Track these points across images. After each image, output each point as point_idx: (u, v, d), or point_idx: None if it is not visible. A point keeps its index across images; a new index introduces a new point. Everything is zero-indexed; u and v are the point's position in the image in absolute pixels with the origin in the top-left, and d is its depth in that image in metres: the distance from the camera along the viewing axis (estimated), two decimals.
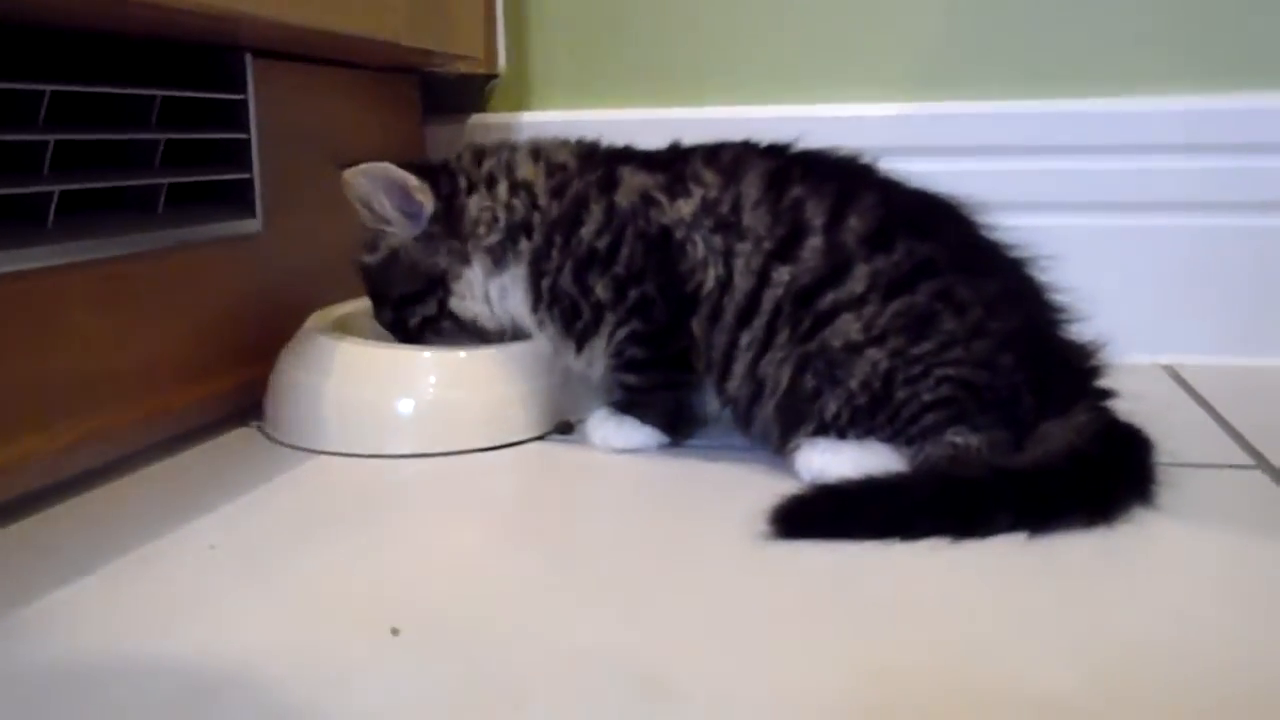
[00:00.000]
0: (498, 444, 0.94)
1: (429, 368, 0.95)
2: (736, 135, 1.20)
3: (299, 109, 1.10)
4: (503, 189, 0.95)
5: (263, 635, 0.61)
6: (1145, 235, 1.23)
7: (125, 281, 0.87)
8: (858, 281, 0.82)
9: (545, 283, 0.92)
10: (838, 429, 0.82)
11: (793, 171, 0.87)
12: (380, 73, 1.26)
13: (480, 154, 0.98)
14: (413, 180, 0.94)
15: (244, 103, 0.99)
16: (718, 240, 0.87)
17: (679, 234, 0.88)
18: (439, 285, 0.95)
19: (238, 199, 1.00)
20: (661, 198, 0.89)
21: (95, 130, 0.84)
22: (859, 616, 0.63)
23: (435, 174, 0.96)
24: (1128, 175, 1.23)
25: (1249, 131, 1.19)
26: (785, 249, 0.84)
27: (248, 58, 0.99)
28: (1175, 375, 1.18)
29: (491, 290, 0.95)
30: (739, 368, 0.86)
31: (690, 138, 1.28)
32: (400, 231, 0.95)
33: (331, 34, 0.97)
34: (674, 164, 0.91)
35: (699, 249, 0.87)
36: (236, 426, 1.00)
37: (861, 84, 1.30)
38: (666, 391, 0.92)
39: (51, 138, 0.78)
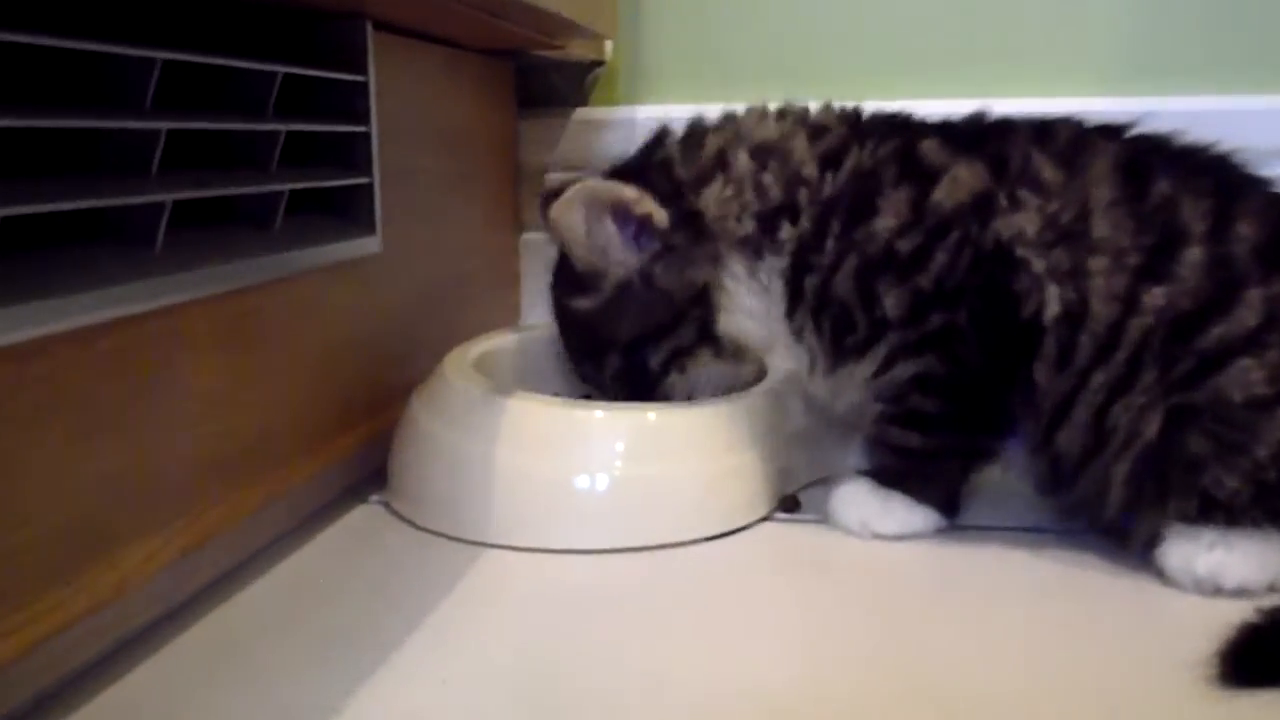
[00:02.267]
0: (709, 535, 0.72)
1: (616, 432, 0.73)
2: None
3: (413, 97, 0.88)
4: (742, 162, 0.73)
5: None
6: None
7: (243, 322, 0.64)
8: (1248, 312, 0.61)
9: (812, 281, 0.71)
10: (1228, 512, 0.61)
11: (1152, 160, 0.67)
12: (480, 55, 1.03)
13: (691, 135, 0.77)
14: (630, 193, 0.72)
15: (364, 86, 0.76)
16: (1061, 255, 0.65)
17: (1019, 251, 0.66)
18: (699, 304, 0.74)
19: (354, 210, 0.77)
20: (1003, 202, 0.67)
21: (212, 117, 0.61)
22: None
23: (643, 176, 0.75)
24: None
25: None
26: (1156, 264, 0.64)
27: (368, 27, 0.76)
28: None
29: (753, 296, 0.73)
30: (1080, 414, 0.65)
31: None
32: (626, 260, 0.74)
33: None
34: (990, 145, 0.69)
35: (1036, 267, 0.66)
36: (354, 502, 0.78)
37: (1033, 77, 1.10)
38: (955, 461, 0.71)
39: (164, 125, 0.55)
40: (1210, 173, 0.67)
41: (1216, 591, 0.61)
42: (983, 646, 0.58)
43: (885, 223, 0.68)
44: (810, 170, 0.72)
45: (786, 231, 0.72)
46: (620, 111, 1.16)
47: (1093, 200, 0.65)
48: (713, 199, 0.73)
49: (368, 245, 0.77)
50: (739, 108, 0.79)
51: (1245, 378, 0.61)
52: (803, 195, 0.71)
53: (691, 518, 0.72)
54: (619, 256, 0.74)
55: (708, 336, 0.75)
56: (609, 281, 0.75)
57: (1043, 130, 0.69)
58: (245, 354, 0.65)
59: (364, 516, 0.76)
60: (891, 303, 0.68)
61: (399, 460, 0.77)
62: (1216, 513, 0.62)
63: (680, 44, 1.16)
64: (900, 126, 0.73)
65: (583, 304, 0.77)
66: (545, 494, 0.71)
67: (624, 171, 0.76)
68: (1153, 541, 0.64)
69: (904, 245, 0.68)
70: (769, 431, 0.75)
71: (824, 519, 0.74)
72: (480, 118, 1.06)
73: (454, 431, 0.74)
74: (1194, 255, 0.63)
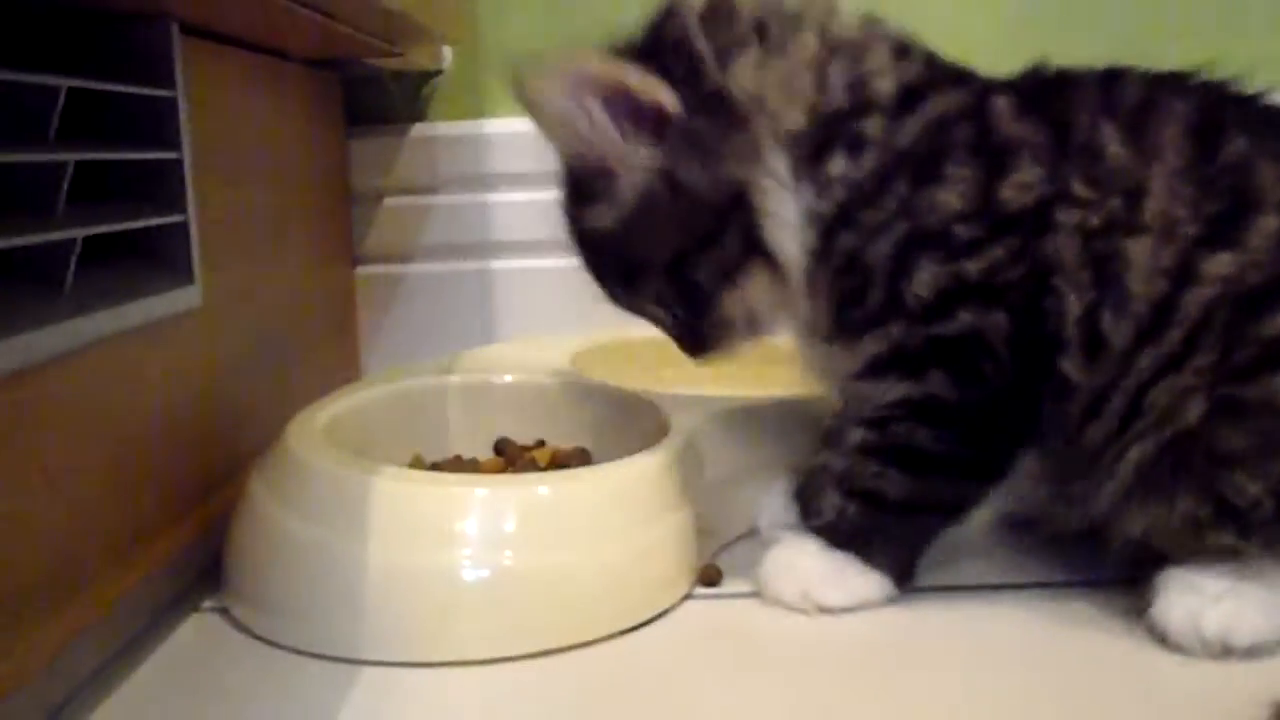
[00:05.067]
0: (624, 628, 0.60)
1: (503, 512, 0.60)
2: None
3: (232, 115, 0.74)
4: (806, 43, 0.60)
5: None
6: None
7: (20, 413, 0.50)
8: None
9: (849, 239, 0.59)
10: (1240, 526, 0.54)
11: (1228, 117, 0.57)
12: (303, 66, 0.90)
13: (714, 8, 0.60)
14: (632, 76, 0.57)
15: (172, 103, 0.62)
16: (1096, 244, 0.56)
17: (1056, 278, 0.57)
18: (738, 208, 0.59)
19: (166, 255, 0.63)
20: (1059, 216, 0.57)
21: None
22: None
23: (657, 51, 0.60)
24: None
25: None
26: (1220, 231, 0.55)
27: (174, 30, 0.62)
28: None
29: (797, 215, 0.59)
30: (1118, 401, 0.56)
31: None
32: (636, 160, 0.59)
33: None
34: (1056, 105, 0.59)
35: (1066, 282, 0.57)
36: (185, 611, 0.63)
37: None
38: (932, 518, 0.61)
39: None
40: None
41: (1226, 653, 0.54)
42: None
43: (948, 199, 0.57)
44: (887, 89, 0.59)
45: (838, 166, 0.59)
46: (463, 126, 1.04)
47: (1152, 175, 0.56)
48: (747, 72, 0.58)
49: (185, 297, 0.63)
50: None
51: None
52: (872, 125, 0.59)
53: (601, 609, 0.60)
54: (626, 154, 0.59)
55: (757, 249, 0.60)
56: (626, 187, 0.60)
57: (1109, 88, 0.59)
58: (26, 456, 0.50)
59: (197, 631, 0.62)
60: (925, 279, 0.57)
61: (237, 555, 0.63)
62: (1226, 525, 0.54)
63: (525, 50, 1.04)
64: (969, 76, 0.62)
65: (598, 218, 0.62)
66: (422, 594, 0.58)
67: (624, 50, 0.61)
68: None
69: (962, 231, 0.57)
70: (682, 494, 0.65)
71: (755, 591, 0.63)
72: (308, 138, 0.92)
73: (305, 520, 0.60)
74: (1269, 224, 0.55)
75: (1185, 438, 0.54)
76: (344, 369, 1.02)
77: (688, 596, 0.64)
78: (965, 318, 0.57)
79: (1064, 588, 0.63)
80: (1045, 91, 0.60)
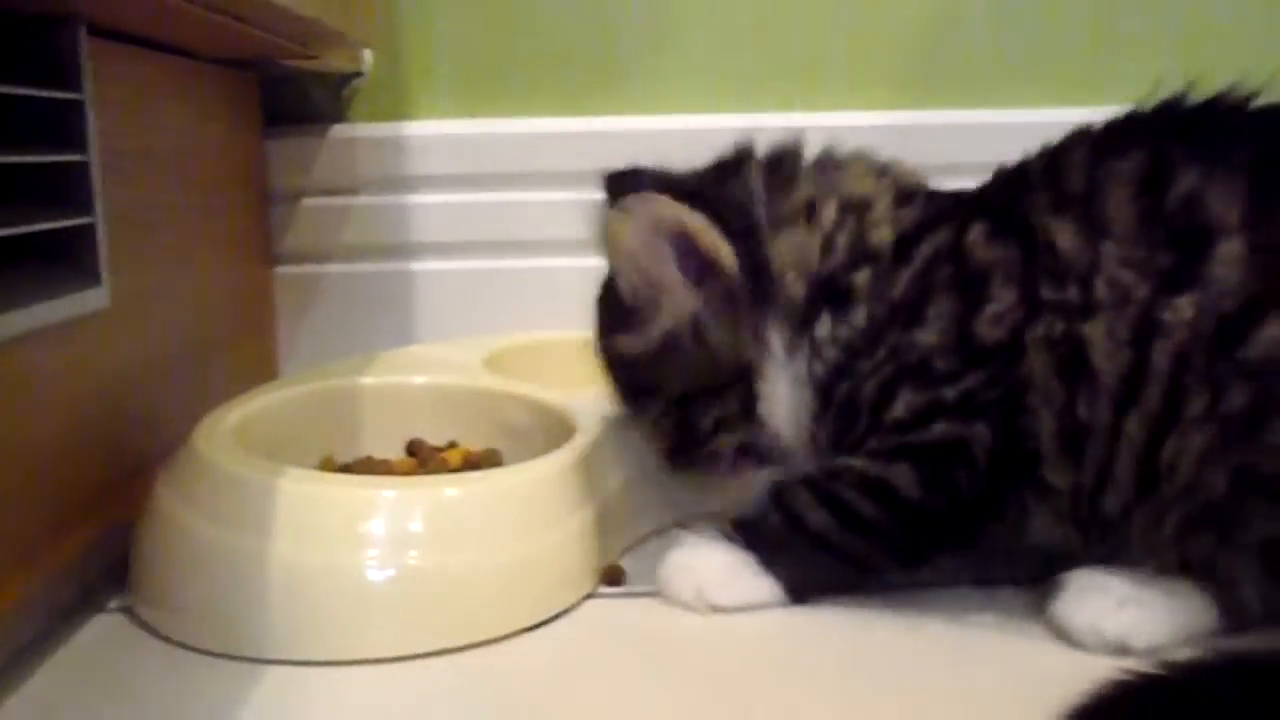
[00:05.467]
0: (527, 625, 0.62)
1: (410, 514, 0.61)
2: (662, 149, 0.92)
3: (141, 116, 0.74)
4: (828, 212, 0.64)
5: None
6: None
7: None
8: None
9: (845, 387, 0.62)
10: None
11: (1174, 155, 0.57)
12: (219, 66, 0.90)
13: (780, 163, 0.66)
14: (698, 221, 0.62)
15: (79, 105, 0.62)
16: (1060, 349, 0.57)
17: (1030, 398, 0.58)
18: (743, 379, 0.64)
19: (73, 257, 0.63)
20: (1029, 338, 0.58)
21: None
22: None
23: (722, 206, 0.64)
24: None
25: None
26: (1177, 277, 0.55)
27: (82, 33, 0.62)
28: None
29: (791, 390, 0.63)
30: (1123, 471, 0.57)
31: (615, 155, 1.02)
32: (681, 303, 0.63)
33: None
34: (1017, 213, 0.60)
35: (1038, 373, 0.58)
36: (89, 612, 0.64)
37: (836, 90, 1.06)
38: (843, 565, 0.63)
39: None
40: (1247, 145, 0.57)
41: (1124, 653, 0.56)
42: None
43: (927, 338, 0.60)
44: (884, 241, 0.62)
45: (825, 328, 0.62)
46: (383, 128, 1.04)
47: (1102, 254, 0.57)
48: (785, 249, 0.63)
49: (92, 299, 0.63)
50: (838, 149, 0.68)
51: None
52: (861, 277, 0.62)
53: (504, 608, 0.62)
54: (675, 295, 0.63)
55: (751, 415, 0.64)
56: (658, 325, 0.64)
57: (1053, 176, 0.60)
58: None
59: (102, 630, 0.62)
60: (903, 404, 0.60)
61: (144, 556, 0.64)
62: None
63: (448, 53, 1.06)
64: (957, 208, 0.64)
65: (627, 343, 0.66)
66: (328, 594, 0.59)
67: (693, 194, 0.64)
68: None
69: (940, 364, 0.59)
70: (587, 495, 0.66)
71: (654, 590, 0.65)
72: (222, 139, 0.92)
73: (211, 521, 0.61)
74: (1231, 249, 0.54)
75: (1219, 506, 0.55)
76: (261, 369, 1.02)
77: (590, 595, 0.65)
78: (941, 428, 0.59)
79: (961, 590, 0.65)
80: (1010, 199, 0.62)
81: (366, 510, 0.61)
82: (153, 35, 0.74)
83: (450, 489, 0.65)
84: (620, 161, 0.97)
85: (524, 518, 0.63)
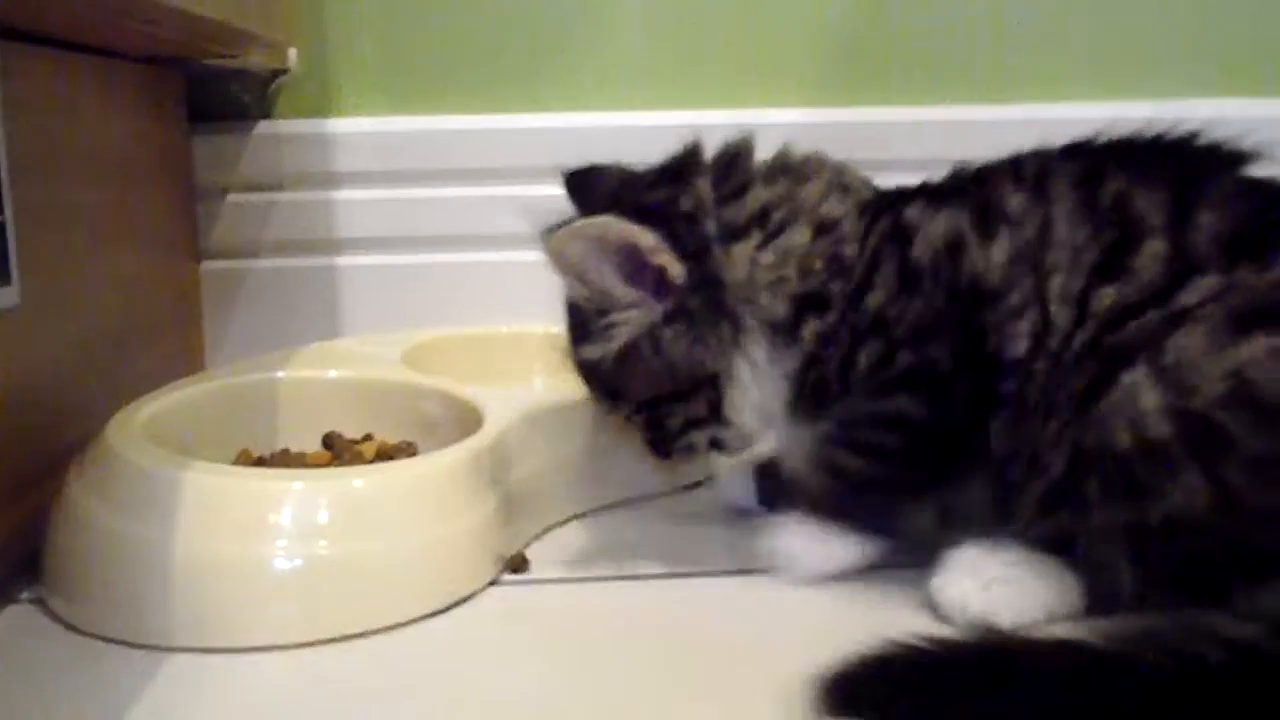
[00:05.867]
0: (430, 611, 0.64)
1: (316, 503, 0.63)
2: (585, 146, 0.96)
3: (54, 116, 0.75)
4: (800, 234, 0.67)
5: None
6: None
7: None
8: (1192, 295, 0.58)
9: (815, 373, 0.67)
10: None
11: (1107, 165, 0.63)
12: (140, 64, 0.91)
13: (730, 176, 0.70)
14: (648, 239, 0.65)
15: None
16: (1029, 283, 0.62)
17: (990, 283, 0.63)
18: (708, 385, 0.67)
19: None
20: (970, 239, 0.64)
21: None
22: None
23: (671, 219, 0.67)
24: None
25: None
26: (1113, 262, 0.60)
27: None
28: None
29: (764, 387, 0.67)
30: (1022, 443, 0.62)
31: (534, 151, 1.05)
32: (637, 313, 0.67)
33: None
34: (971, 194, 0.66)
35: (1009, 300, 0.63)
36: (2, 603, 0.65)
37: (754, 85, 1.08)
38: (902, 498, 0.68)
39: None
40: (1170, 166, 0.63)
41: (991, 628, 0.59)
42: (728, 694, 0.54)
43: (875, 297, 0.65)
44: (854, 254, 0.67)
45: (810, 328, 0.66)
46: (308, 124, 1.06)
47: (1054, 214, 0.62)
48: (740, 260, 0.67)
49: (2, 298, 0.65)
50: (793, 151, 0.72)
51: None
52: (838, 286, 0.66)
53: (408, 595, 0.64)
54: (626, 309, 0.67)
55: (718, 416, 0.69)
56: (618, 333, 0.67)
57: (1016, 165, 0.66)
58: None
59: (13, 620, 0.64)
60: (864, 356, 0.65)
61: (55, 549, 0.65)
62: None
63: (373, 50, 1.07)
64: (897, 197, 0.69)
65: (589, 353, 0.69)
66: (236, 583, 0.61)
67: (643, 209, 0.67)
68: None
69: (890, 311, 0.64)
70: (491, 487, 0.68)
71: (557, 577, 0.68)
72: (144, 136, 0.93)
73: (120, 514, 0.63)
74: (1155, 247, 0.60)
75: (1061, 486, 0.60)
76: (189, 363, 1.03)
77: (494, 582, 0.68)
78: (904, 359, 0.63)
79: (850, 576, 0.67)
80: (961, 186, 0.68)
81: (274, 502, 0.63)
82: (68, 37, 0.75)
83: (357, 480, 0.67)
84: (539, 158, 1.00)
85: (428, 507, 0.66)
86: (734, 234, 0.67)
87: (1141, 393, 0.56)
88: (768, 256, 0.67)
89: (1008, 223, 0.64)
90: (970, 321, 0.63)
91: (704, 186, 0.69)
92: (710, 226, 0.67)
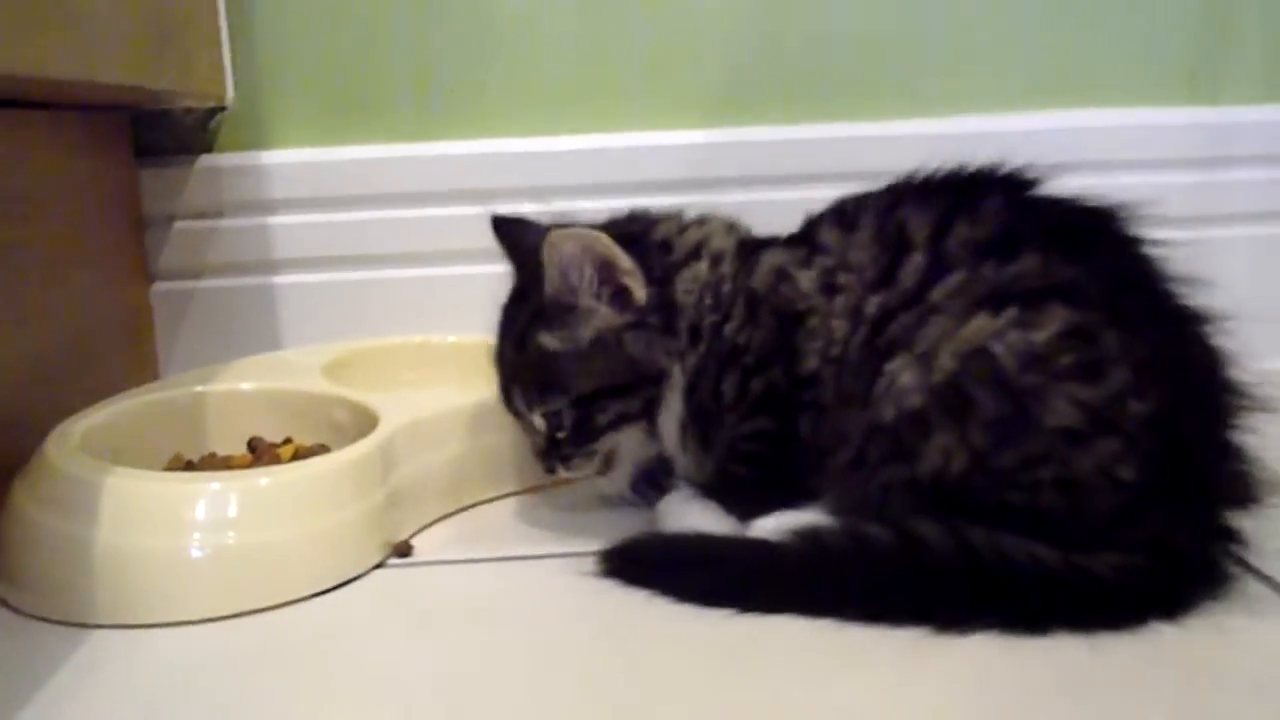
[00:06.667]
0: (319, 590, 0.75)
1: (227, 499, 0.74)
2: (502, 171, 1.13)
3: (10, 165, 0.86)
4: (703, 268, 0.80)
5: None
6: None
7: None
8: (940, 291, 0.70)
9: (693, 401, 0.79)
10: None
11: (904, 197, 0.75)
12: (85, 111, 1.02)
13: (679, 217, 0.84)
14: (625, 263, 0.77)
15: None
16: (824, 302, 0.75)
17: (800, 306, 0.75)
18: (653, 384, 0.79)
19: None
20: (793, 271, 0.76)
21: None
22: None
23: (647, 248, 0.80)
24: None
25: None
26: (885, 276, 0.72)
27: None
28: None
29: (675, 400, 0.80)
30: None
31: (454, 176, 1.16)
32: (600, 316, 0.78)
33: (40, 81, 0.74)
34: (809, 232, 0.79)
35: (811, 321, 0.75)
36: None
37: (665, 109, 1.19)
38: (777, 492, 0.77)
39: None
40: (955, 190, 0.74)
41: None
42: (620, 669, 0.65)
43: (731, 325, 0.77)
44: (730, 291, 0.79)
45: (692, 357, 0.78)
46: (246, 157, 1.17)
47: (854, 241, 0.75)
48: (684, 286, 0.79)
49: None
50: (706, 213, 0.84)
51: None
52: (709, 319, 0.78)
53: (302, 576, 0.74)
54: (595, 308, 0.78)
55: (649, 415, 0.79)
56: (586, 329, 0.78)
57: (838, 208, 0.78)
58: None
59: None
60: (727, 387, 0.77)
61: (4, 546, 0.76)
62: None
63: (305, 87, 1.18)
64: (763, 244, 0.81)
65: (550, 341, 0.78)
66: (154, 570, 0.72)
67: (627, 237, 0.79)
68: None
69: (740, 338, 0.77)
70: (377, 482, 0.79)
71: (437, 560, 0.79)
72: (94, 174, 1.04)
73: (52, 513, 0.73)
74: (916, 260, 0.71)
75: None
76: (143, 376, 1.14)
77: (380, 565, 0.78)
78: (757, 386, 0.76)
79: None
80: (808, 228, 0.80)
81: (189, 500, 0.74)
82: (13, 98, 0.86)
83: (264, 479, 0.77)
84: (460, 182, 1.12)
85: (321, 501, 0.76)
86: (677, 268, 0.80)
87: (900, 376, 0.68)
88: (689, 285, 0.79)
89: (821, 253, 0.76)
90: (790, 343, 0.75)
91: (657, 232, 0.82)
92: (664, 260, 0.80)
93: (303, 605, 0.74)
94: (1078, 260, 0.68)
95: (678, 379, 0.79)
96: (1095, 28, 1.19)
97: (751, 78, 1.19)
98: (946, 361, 0.67)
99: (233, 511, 0.74)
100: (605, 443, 0.80)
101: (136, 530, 0.72)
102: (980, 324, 0.67)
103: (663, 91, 1.19)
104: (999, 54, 1.19)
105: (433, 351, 1.03)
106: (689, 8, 1.17)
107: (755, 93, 1.19)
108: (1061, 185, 0.75)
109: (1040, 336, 0.65)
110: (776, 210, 0.80)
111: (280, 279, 1.18)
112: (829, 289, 0.74)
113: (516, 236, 0.84)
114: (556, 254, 0.77)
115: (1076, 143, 1.18)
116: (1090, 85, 1.20)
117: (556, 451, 0.81)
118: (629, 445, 0.81)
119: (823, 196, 0.81)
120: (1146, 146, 1.19)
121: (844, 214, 0.78)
